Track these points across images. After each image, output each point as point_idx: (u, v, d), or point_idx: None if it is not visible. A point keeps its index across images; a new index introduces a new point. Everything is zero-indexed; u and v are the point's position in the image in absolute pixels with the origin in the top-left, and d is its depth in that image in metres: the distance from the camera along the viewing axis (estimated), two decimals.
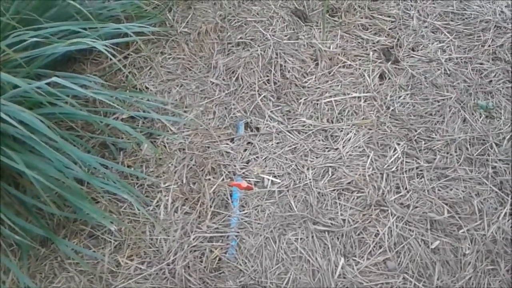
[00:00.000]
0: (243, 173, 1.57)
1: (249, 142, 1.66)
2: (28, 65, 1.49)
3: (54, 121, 1.44)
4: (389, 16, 2.06)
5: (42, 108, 1.43)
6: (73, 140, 1.48)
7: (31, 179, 1.23)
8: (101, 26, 1.62)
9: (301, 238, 1.42)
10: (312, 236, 1.42)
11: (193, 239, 1.42)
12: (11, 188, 1.38)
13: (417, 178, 1.53)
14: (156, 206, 1.50)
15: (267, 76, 1.85)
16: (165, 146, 1.64)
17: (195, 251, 1.41)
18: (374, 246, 1.40)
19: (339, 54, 1.91)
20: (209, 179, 1.55)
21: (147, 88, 1.82)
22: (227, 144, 1.66)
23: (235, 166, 1.58)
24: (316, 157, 1.60)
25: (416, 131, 1.65)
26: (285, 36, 1.98)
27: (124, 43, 1.88)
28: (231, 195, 1.51)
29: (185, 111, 1.75)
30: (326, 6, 2.05)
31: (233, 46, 1.95)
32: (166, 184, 1.55)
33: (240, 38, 1.97)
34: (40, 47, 1.48)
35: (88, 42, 1.43)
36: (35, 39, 1.42)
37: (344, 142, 1.64)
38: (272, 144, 1.64)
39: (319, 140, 1.65)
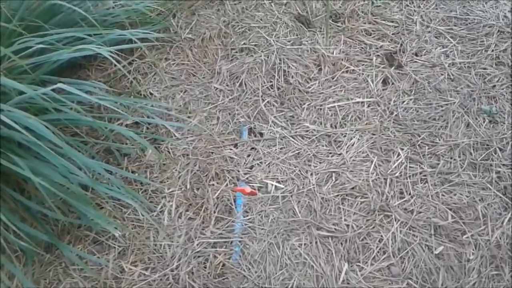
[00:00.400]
0: (247, 178, 1.57)
1: (252, 148, 1.66)
2: (34, 72, 1.50)
3: (59, 127, 1.45)
4: (392, 21, 2.07)
5: (47, 114, 1.44)
6: (77, 146, 1.49)
7: (36, 185, 1.23)
8: (106, 33, 1.64)
9: (304, 244, 1.42)
10: (316, 242, 1.42)
11: (197, 244, 1.43)
12: (17, 194, 1.39)
13: (421, 183, 1.53)
14: (160, 212, 1.50)
15: (271, 81, 1.85)
16: (169, 152, 1.65)
17: (199, 257, 1.41)
18: (378, 252, 1.39)
19: (342, 60, 1.92)
20: (213, 185, 1.56)
21: (151, 94, 1.83)
22: (231, 149, 1.66)
23: (238, 171, 1.59)
24: (320, 163, 1.60)
25: (419, 136, 1.65)
26: (289, 41, 1.99)
27: (129, 50, 1.89)
28: (234, 201, 1.51)
29: (189, 117, 1.76)
30: (329, 12, 2.05)
31: (236, 52, 1.96)
32: (170, 190, 1.55)
33: (244, 44, 1.98)
34: (46, 54, 1.49)
35: (93, 49, 1.44)
36: (40, 45, 1.43)
37: (347, 147, 1.64)
38: (276, 150, 1.65)
39: (323, 146, 1.65)
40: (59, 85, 1.31)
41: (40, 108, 1.43)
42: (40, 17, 1.61)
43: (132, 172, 1.60)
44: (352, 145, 1.64)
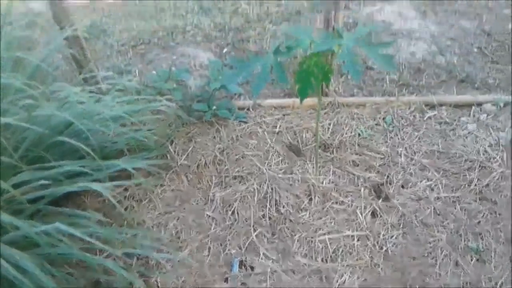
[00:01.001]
0: None
1: (243, 283, 1.65)
2: (33, 203, 1.53)
3: (48, 259, 1.44)
4: (378, 153, 2.18)
5: (39, 248, 1.44)
6: (65, 280, 1.47)
7: None
8: (105, 165, 1.70)
9: None
10: None
11: None
12: None
13: None
14: None
15: (262, 210, 1.90)
16: (158, 286, 1.63)
17: None
18: None
19: (332, 190, 1.98)
20: None
21: (144, 221, 1.85)
22: (221, 284, 1.64)
23: None
24: None
25: (410, 274, 1.66)
26: (280, 170, 2.07)
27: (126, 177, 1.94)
28: None
29: (180, 247, 1.76)
30: (318, 142, 2.17)
31: (230, 179, 2.03)
32: None
33: (237, 171, 2.05)
34: (47, 188, 1.53)
35: (92, 187, 1.49)
36: (42, 181, 1.48)
37: (339, 285, 1.63)
38: (266, 286, 1.63)
39: (314, 282, 1.65)
40: (57, 225, 1.34)
41: (33, 242, 1.43)
42: (43, 149, 1.68)
43: None
44: (343, 282, 1.64)
